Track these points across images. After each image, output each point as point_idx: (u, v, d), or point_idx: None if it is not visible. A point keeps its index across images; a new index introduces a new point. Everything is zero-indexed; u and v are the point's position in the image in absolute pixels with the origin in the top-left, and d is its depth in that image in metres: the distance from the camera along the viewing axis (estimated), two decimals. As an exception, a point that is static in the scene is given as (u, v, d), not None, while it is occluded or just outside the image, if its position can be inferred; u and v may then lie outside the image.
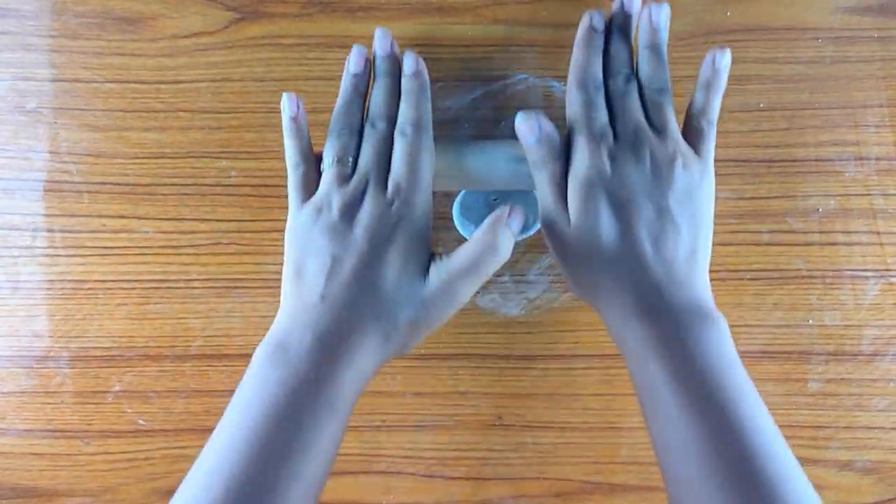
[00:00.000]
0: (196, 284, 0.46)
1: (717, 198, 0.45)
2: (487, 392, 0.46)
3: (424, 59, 0.45)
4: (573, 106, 0.38)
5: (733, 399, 0.32)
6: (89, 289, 0.46)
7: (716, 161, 0.45)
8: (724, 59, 0.38)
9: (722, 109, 0.45)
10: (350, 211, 0.36)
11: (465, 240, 0.42)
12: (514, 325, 0.46)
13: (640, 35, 0.38)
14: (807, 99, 0.45)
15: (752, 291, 0.46)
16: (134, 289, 0.46)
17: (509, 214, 0.37)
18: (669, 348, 0.33)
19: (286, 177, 0.39)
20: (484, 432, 0.46)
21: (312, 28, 0.45)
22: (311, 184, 0.38)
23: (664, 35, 0.38)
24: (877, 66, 0.45)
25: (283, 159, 0.45)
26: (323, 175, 0.38)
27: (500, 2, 0.45)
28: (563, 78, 0.45)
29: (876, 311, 0.45)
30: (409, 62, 0.39)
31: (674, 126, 0.38)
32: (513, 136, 0.38)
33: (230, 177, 0.45)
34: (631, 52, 0.39)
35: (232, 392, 0.45)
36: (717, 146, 0.45)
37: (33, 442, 0.46)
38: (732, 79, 0.45)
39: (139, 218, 0.45)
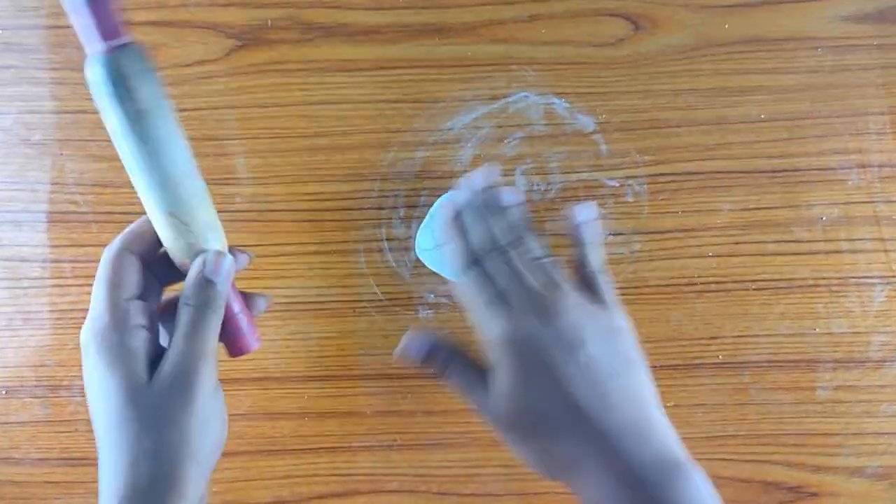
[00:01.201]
0: (205, 310, 0.46)
1: (720, 210, 0.46)
2: (497, 408, 0.47)
3: (424, 80, 0.45)
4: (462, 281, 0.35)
5: None
6: (99, 317, 0.46)
7: (720, 172, 0.46)
8: (584, 213, 0.36)
9: (724, 121, 0.46)
10: None
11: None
12: (521, 341, 0.46)
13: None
14: (808, 108, 0.45)
15: (759, 301, 0.46)
16: (144, 316, 0.46)
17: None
18: None
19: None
20: (495, 449, 0.47)
21: (313, 53, 0.45)
22: None
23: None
24: (877, 74, 0.45)
25: (287, 184, 0.45)
26: None
27: (499, 21, 0.45)
28: (564, 94, 0.45)
29: (883, 317, 0.45)
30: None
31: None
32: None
33: (235, 202, 0.45)
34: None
35: (243, 415, 0.46)
36: (720, 158, 0.46)
37: (48, 471, 0.47)
38: (734, 90, 0.46)
39: (147, 246, 0.46)
